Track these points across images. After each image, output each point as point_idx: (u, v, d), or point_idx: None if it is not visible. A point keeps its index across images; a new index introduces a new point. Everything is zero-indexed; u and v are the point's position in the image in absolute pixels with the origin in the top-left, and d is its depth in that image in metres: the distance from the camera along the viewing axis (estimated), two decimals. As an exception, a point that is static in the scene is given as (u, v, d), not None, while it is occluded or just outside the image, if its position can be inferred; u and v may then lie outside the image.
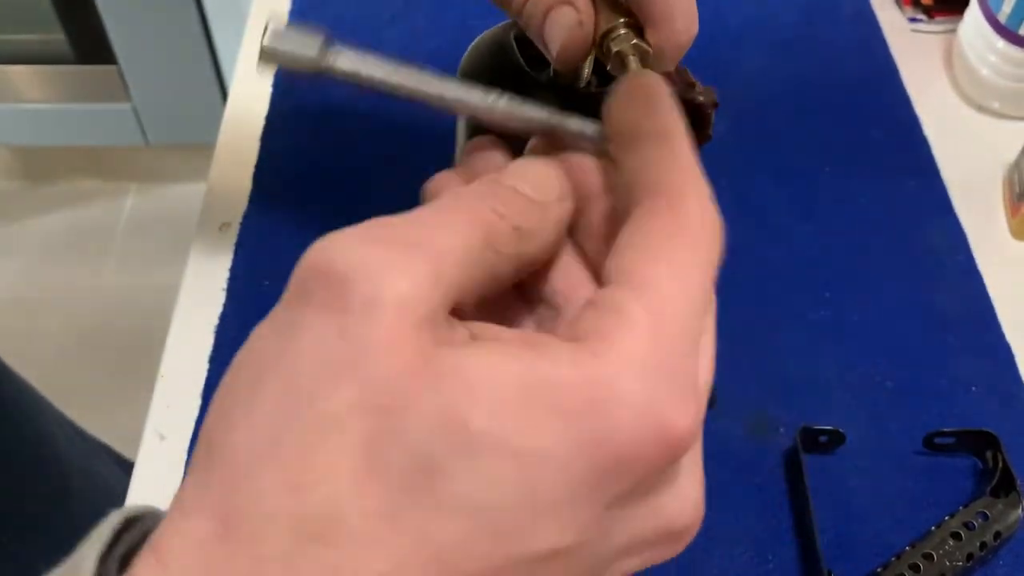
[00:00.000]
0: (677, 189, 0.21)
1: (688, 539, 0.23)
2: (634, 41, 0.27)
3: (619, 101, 0.24)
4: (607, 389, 0.18)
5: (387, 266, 0.19)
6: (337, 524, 0.17)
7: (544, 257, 0.23)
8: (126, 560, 0.19)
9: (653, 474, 0.20)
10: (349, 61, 0.24)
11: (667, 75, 0.28)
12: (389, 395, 0.18)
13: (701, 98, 0.28)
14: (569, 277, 0.24)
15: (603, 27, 0.27)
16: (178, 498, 0.19)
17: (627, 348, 0.19)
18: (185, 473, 0.45)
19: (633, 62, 0.26)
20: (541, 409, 0.18)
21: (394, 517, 0.17)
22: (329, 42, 0.24)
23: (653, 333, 0.19)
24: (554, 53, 0.28)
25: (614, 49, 0.27)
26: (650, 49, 0.27)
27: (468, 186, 0.23)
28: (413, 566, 0.17)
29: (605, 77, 0.29)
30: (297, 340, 0.19)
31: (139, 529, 0.20)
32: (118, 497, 0.43)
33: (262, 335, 0.20)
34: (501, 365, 0.18)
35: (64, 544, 0.20)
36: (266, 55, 0.24)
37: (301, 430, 0.18)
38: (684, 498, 0.22)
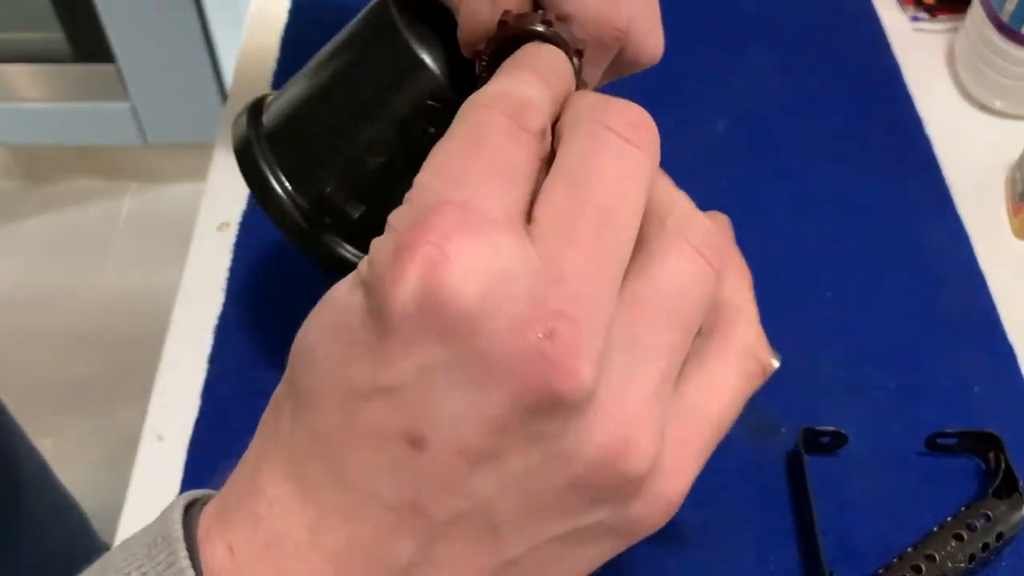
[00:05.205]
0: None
1: (646, 500, 0.22)
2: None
3: None
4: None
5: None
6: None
7: None
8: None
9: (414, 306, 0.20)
10: None
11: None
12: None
13: (576, 58, 0.28)
14: None
15: (526, 23, 0.27)
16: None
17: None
18: (186, 473, 0.45)
19: None
20: None
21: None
22: None
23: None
24: (460, 31, 0.30)
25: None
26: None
27: None
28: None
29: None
30: None
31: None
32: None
33: None
34: None
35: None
36: None
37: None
38: (595, 434, 0.20)
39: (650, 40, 0.31)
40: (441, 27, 0.33)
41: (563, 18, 0.29)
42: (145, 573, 0.21)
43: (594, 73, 0.31)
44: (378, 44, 0.34)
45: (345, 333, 0.20)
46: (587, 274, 0.20)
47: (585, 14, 0.29)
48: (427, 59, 0.33)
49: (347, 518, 0.21)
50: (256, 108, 0.38)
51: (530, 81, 0.24)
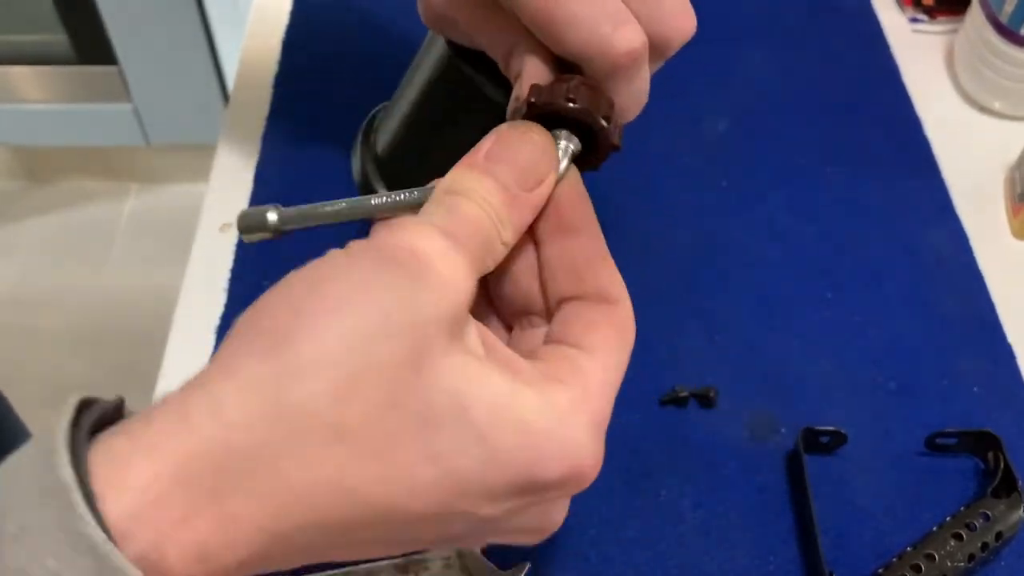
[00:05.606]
0: (618, 294, 0.29)
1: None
2: (563, 143, 0.30)
3: (559, 195, 0.30)
4: (554, 427, 0.25)
5: (453, 256, 0.25)
6: (356, 431, 0.23)
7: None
8: (95, 433, 0.23)
9: (559, 493, 0.26)
10: (297, 217, 0.30)
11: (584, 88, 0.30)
12: (427, 360, 0.24)
13: (604, 123, 0.30)
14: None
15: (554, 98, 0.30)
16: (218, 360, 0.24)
17: (576, 406, 0.26)
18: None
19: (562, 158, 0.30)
20: (511, 423, 0.25)
21: (393, 441, 0.23)
22: (281, 212, 0.30)
23: (596, 394, 0.27)
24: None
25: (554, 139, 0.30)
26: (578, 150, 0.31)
27: (485, 198, 0.28)
28: (393, 481, 0.23)
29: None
30: (375, 284, 0.24)
31: (96, 411, 0.24)
32: None
33: (338, 263, 0.25)
34: (504, 382, 0.25)
35: None
36: (241, 230, 0.30)
37: (358, 356, 0.23)
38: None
39: (675, 27, 0.31)
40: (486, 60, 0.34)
41: (579, 64, 0.30)
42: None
43: (640, 86, 0.31)
44: (464, 102, 0.37)
45: (488, 476, 0.25)
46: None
47: (592, 50, 0.29)
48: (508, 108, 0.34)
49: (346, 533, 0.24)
50: (367, 132, 0.43)
51: None
